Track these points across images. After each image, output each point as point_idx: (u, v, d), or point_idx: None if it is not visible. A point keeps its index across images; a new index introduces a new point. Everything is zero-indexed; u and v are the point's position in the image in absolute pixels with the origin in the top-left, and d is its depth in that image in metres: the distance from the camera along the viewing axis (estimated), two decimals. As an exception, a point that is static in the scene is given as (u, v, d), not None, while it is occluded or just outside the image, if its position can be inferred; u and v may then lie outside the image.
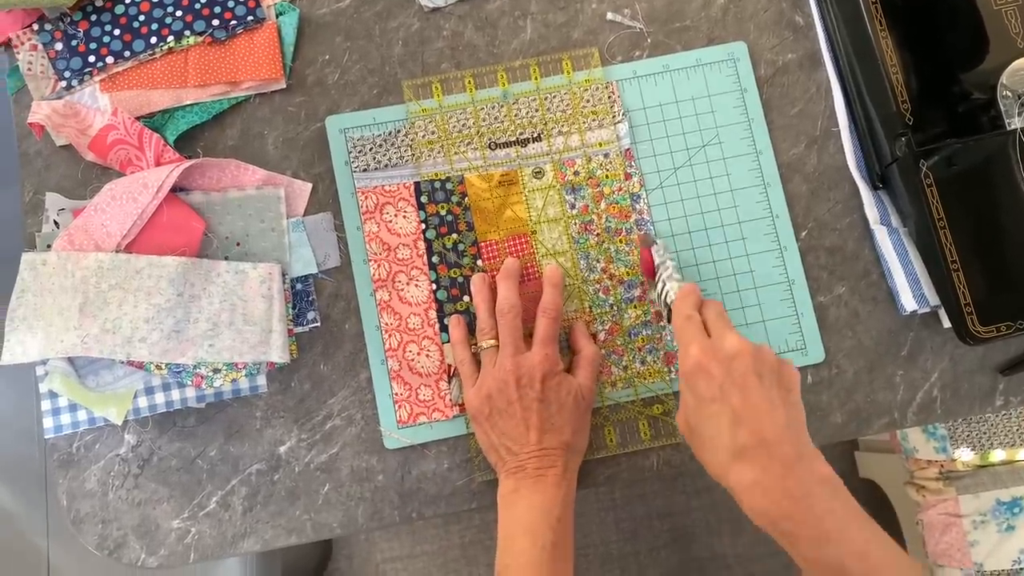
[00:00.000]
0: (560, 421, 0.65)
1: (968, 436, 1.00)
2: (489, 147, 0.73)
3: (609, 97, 0.74)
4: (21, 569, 0.99)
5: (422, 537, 1.53)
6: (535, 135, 0.74)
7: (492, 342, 0.68)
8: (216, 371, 0.69)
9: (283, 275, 0.71)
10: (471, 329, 0.71)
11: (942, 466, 1.03)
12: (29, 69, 0.73)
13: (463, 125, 0.74)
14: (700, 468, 0.61)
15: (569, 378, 0.67)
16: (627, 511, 1.54)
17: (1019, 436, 0.99)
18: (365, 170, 0.73)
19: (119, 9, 0.74)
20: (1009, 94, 0.68)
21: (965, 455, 1.00)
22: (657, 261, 0.69)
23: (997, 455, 1.00)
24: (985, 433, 1.00)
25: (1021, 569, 0.99)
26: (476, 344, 0.70)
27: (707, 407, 0.57)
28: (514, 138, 0.74)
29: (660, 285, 0.68)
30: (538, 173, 0.73)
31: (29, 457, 0.92)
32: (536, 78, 0.74)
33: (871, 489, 1.41)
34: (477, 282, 0.70)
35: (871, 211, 0.73)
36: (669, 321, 0.66)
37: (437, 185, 0.73)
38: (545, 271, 0.71)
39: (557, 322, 0.68)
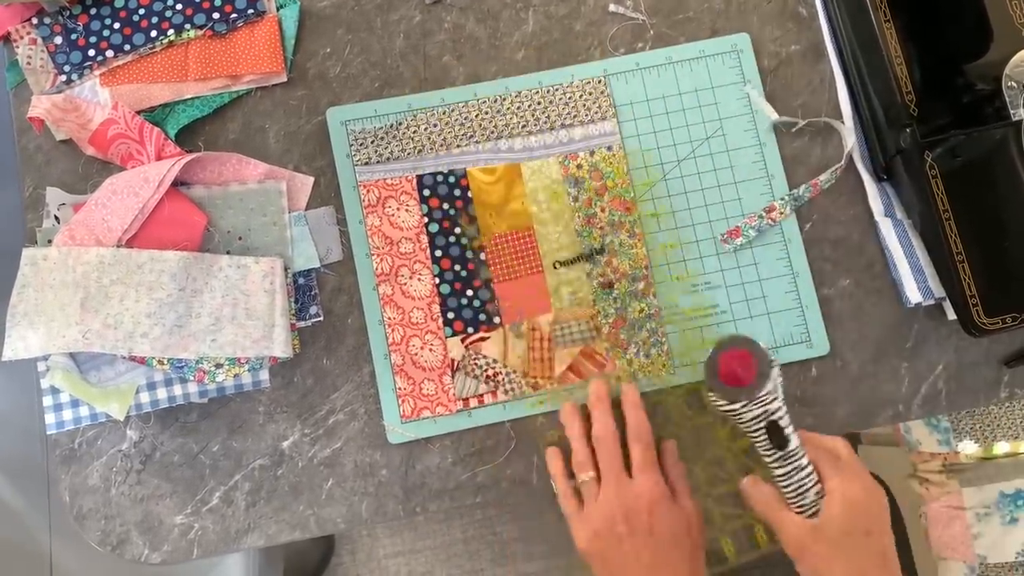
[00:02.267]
0: (676, 556, 0.61)
1: (971, 429, 1.00)
2: (491, 140, 0.73)
3: (603, 93, 0.74)
4: (24, 565, 0.99)
5: (424, 532, 1.53)
6: (538, 128, 0.73)
7: (592, 474, 0.64)
8: (218, 366, 0.69)
9: (285, 269, 0.70)
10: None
11: (945, 459, 1.03)
12: (28, 63, 0.72)
13: (465, 118, 0.73)
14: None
15: (678, 507, 0.63)
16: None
17: (1023, 428, 0.99)
18: (367, 163, 0.72)
19: (119, 3, 0.73)
20: (1014, 85, 0.68)
21: (968, 448, 1.00)
22: (776, 408, 0.58)
23: (1001, 447, 1.00)
24: (988, 426, 0.99)
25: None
26: (575, 478, 0.66)
27: None
28: (517, 131, 0.73)
29: (791, 463, 0.58)
30: (541, 166, 0.73)
31: (31, 454, 0.92)
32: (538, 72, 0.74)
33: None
34: (568, 412, 0.67)
35: (875, 203, 0.73)
36: (809, 508, 0.59)
37: (439, 178, 0.73)
38: (624, 393, 0.67)
39: (652, 447, 0.64)
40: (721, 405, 0.59)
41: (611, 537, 0.61)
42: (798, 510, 0.59)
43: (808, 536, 0.58)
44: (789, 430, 0.58)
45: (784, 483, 0.59)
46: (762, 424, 0.58)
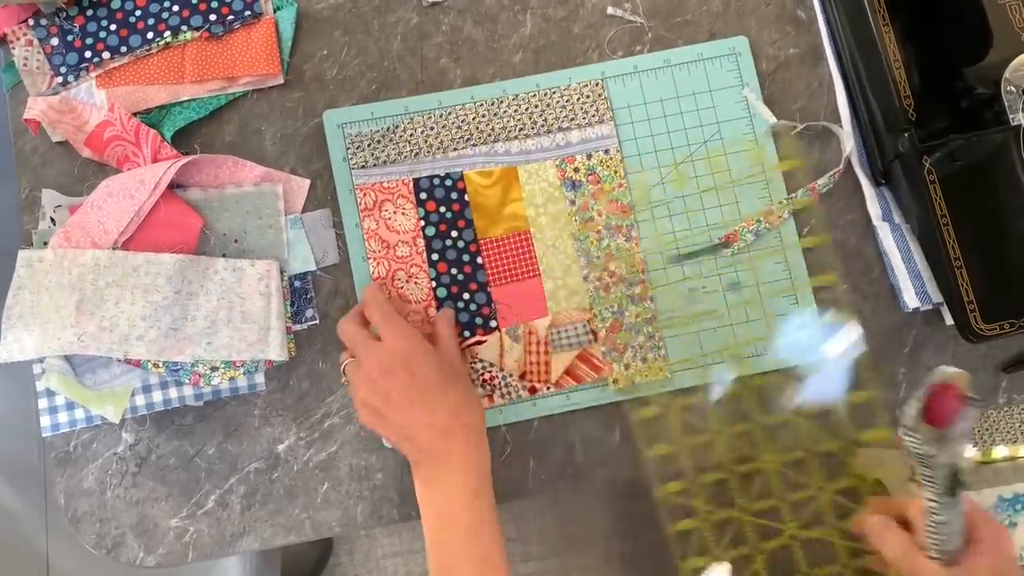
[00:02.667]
0: (442, 389, 0.63)
1: (971, 431, 1.00)
2: (488, 143, 0.73)
3: (601, 96, 0.74)
4: (20, 567, 0.99)
5: (423, 533, 1.52)
6: (535, 131, 0.73)
7: (346, 358, 0.67)
8: (214, 369, 0.69)
9: (281, 272, 0.70)
10: None
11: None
12: (25, 65, 0.72)
13: (462, 121, 0.73)
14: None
15: (429, 350, 0.65)
16: (628, 506, 1.54)
17: (1021, 432, 0.99)
18: (363, 167, 0.72)
19: (115, 4, 0.73)
20: (1013, 89, 0.68)
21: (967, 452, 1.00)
22: (965, 453, 0.54)
23: (999, 451, 1.00)
24: (987, 430, 0.99)
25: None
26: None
27: None
28: (514, 134, 0.73)
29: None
30: (538, 170, 0.73)
31: (28, 455, 0.91)
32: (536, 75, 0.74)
33: (875, 485, 1.40)
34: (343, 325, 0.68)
35: (873, 207, 0.72)
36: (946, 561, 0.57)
37: (436, 182, 0.72)
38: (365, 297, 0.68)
39: (388, 309, 0.66)
40: (920, 448, 0.54)
41: (377, 393, 0.63)
42: (935, 555, 0.56)
43: None
44: (966, 476, 0.55)
45: (937, 529, 0.56)
46: (950, 470, 0.54)
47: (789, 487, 0.70)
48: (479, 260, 0.72)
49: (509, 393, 0.70)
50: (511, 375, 0.70)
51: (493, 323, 0.71)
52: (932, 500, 0.55)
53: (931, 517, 0.56)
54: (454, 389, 0.64)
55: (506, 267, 0.72)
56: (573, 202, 0.72)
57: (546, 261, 0.72)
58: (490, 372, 0.70)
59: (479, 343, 0.71)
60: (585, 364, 0.71)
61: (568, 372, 0.71)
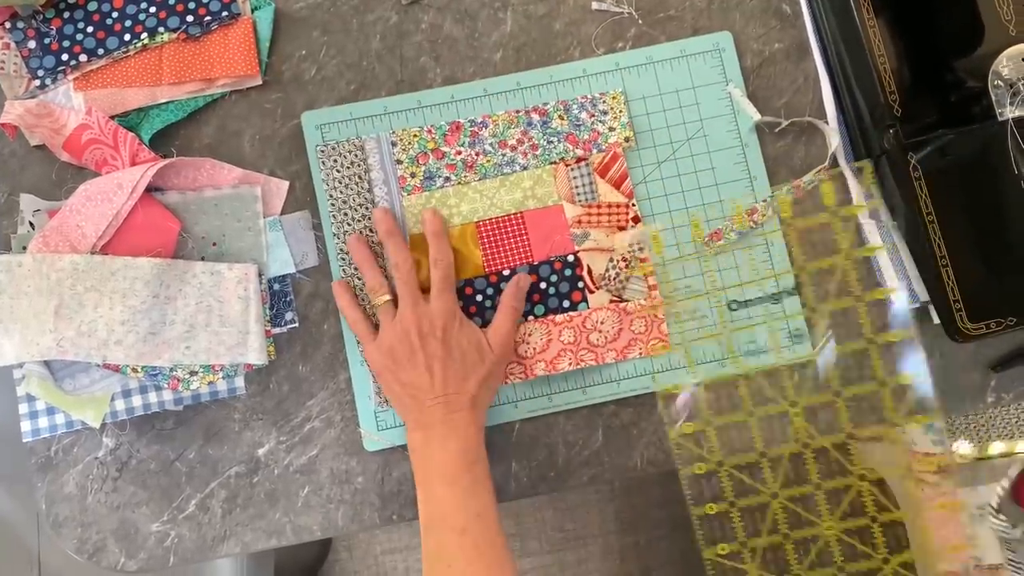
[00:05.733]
0: (464, 369, 0.65)
1: (966, 429, 0.99)
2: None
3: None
4: (11, 567, 0.99)
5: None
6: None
7: (387, 297, 0.68)
8: (193, 373, 0.68)
9: (260, 275, 0.70)
10: None
11: (940, 459, 1.01)
12: (2, 68, 0.72)
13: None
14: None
15: (472, 327, 0.67)
16: (626, 501, 1.53)
17: (1017, 428, 0.97)
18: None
19: (92, 6, 0.72)
20: (1001, 83, 0.66)
21: (963, 448, 0.99)
22: None
23: (996, 447, 0.99)
24: (983, 426, 0.98)
25: (1019, 563, 0.97)
26: (370, 304, 0.70)
27: None
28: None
29: None
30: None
31: (18, 456, 0.91)
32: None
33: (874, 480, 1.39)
34: (354, 243, 0.69)
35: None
36: None
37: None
38: (424, 220, 0.70)
39: (450, 269, 0.68)
40: (1007, 531, 0.54)
41: (404, 351, 0.65)
42: None
43: None
44: None
45: None
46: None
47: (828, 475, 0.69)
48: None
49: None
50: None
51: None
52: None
53: None
54: (476, 372, 0.65)
55: (499, 254, 0.71)
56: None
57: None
58: None
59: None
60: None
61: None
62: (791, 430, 0.69)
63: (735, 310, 0.70)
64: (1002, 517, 0.52)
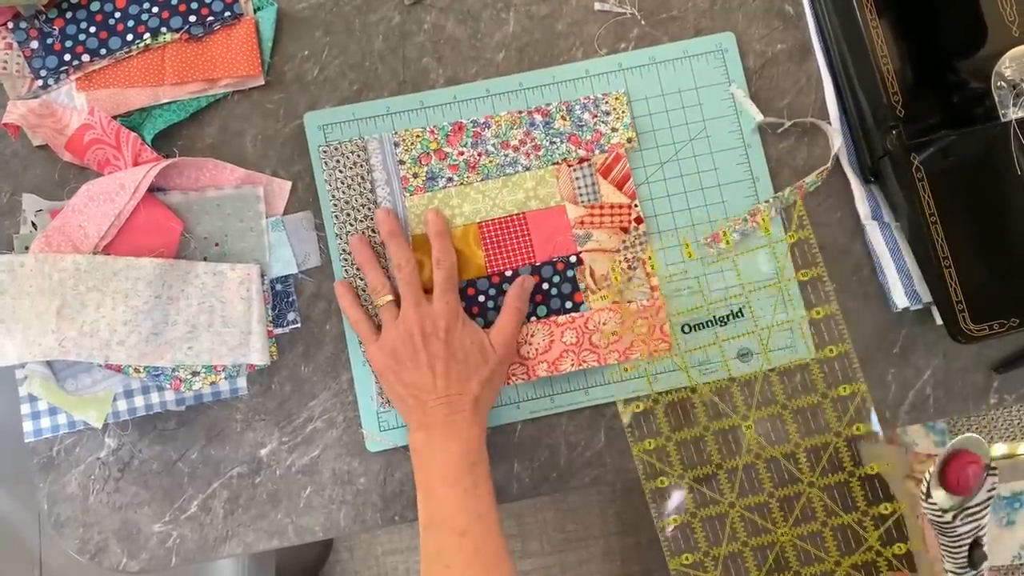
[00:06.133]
0: (467, 370, 0.65)
1: (968, 430, 0.99)
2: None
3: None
4: (13, 567, 0.99)
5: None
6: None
7: (389, 298, 0.68)
8: (195, 374, 0.68)
9: (262, 276, 0.70)
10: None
11: (941, 460, 1.01)
12: (4, 68, 0.72)
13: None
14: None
15: (475, 328, 0.67)
16: (628, 502, 1.53)
17: (1020, 430, 0.97)
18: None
19: (95, 6, 0.72)
20: (1004, 84, 0.66)
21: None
22: (985, 523, 0.55)
23: (998, 449, 0.99)
24: (985, 427, 0.98)
25: (1021, 564, 0.97)
26: (372, 305, 0.70)
27: None
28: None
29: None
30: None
31: (20, 456, 0.91)
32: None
33: (876, 481, 1.39)
34: (357, 243, 0.70)
35: (862, 206, 0.71)
36: None
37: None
38: (428, 220, 0.70)
39: (453, 270, 0.68)
40: (938, 516, 0.55)
41: (407, 352, 0.65)
42: None
43: None
44: (987, 548, 0.55)
45: None
46: (970, 539, 0.55)
47: (780, 483, 0.70)
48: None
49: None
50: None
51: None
52: (953, 572, 0.55)
53: None
54: (479, 373, 0.65)
55: (501, 257, 0.71)
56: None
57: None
58: None
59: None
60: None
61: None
62: (744, 442, 0.70)
63: (687, 333, 0.70)
64: (932, 502, 0.53)
